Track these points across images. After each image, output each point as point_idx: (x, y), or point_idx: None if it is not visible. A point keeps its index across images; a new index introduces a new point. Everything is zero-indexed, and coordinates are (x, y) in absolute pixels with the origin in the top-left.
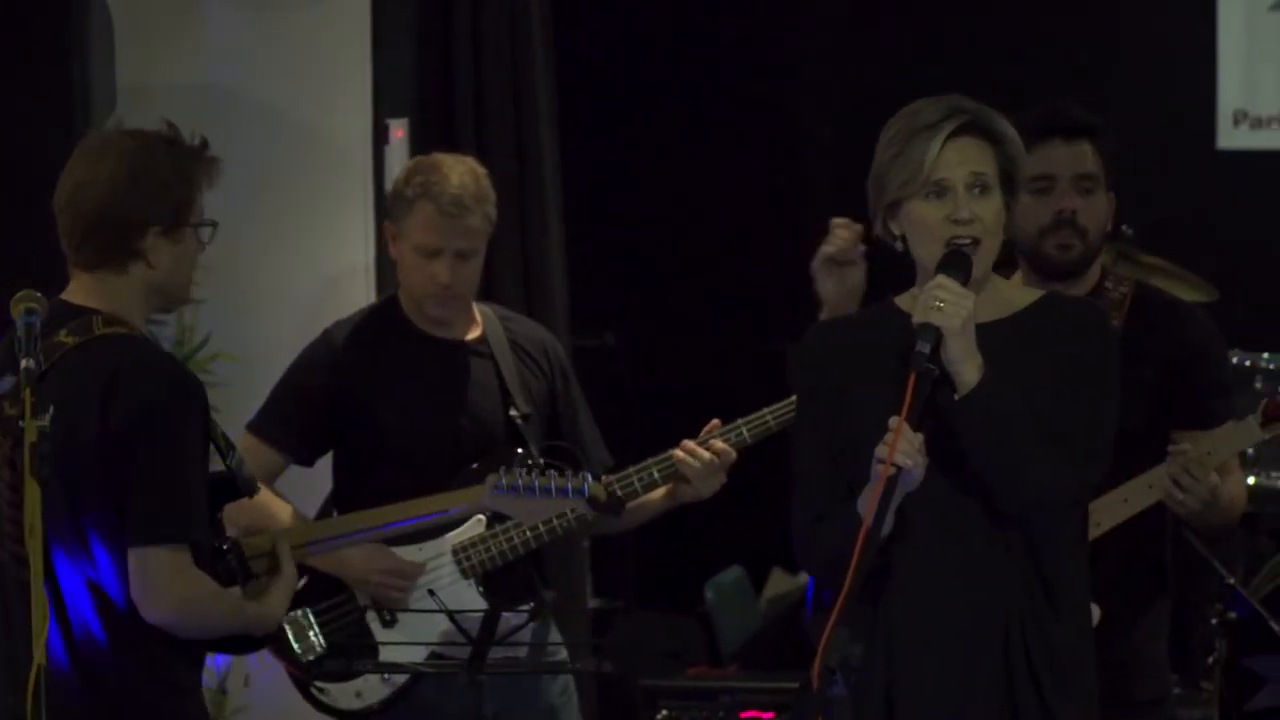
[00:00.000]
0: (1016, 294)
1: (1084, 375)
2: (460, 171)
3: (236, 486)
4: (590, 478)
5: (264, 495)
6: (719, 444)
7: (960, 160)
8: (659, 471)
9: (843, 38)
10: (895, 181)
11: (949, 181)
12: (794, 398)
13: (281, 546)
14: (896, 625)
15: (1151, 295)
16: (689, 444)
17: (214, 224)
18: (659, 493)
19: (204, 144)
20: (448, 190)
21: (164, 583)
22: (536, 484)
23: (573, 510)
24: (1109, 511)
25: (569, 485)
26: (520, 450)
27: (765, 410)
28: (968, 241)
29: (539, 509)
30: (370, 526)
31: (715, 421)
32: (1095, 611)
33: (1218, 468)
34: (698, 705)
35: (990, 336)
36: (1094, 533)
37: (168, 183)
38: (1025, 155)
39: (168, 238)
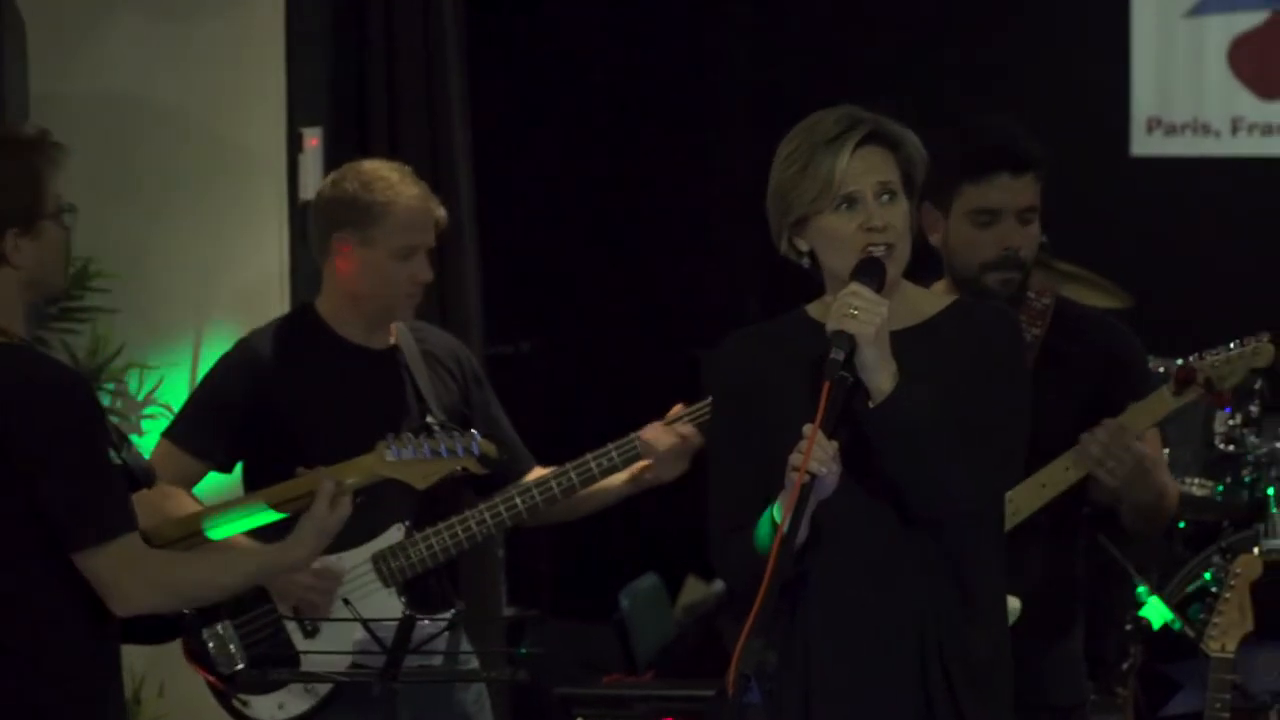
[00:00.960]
0: (927, 300)
1: (995, 381)
2: (403, 171)
3: (135, 477)
4: (478, 435)
5: (180, 498)
6: (686, 427)
7: (867, 169)
8: (619, 454)
9: (760, 43)
10: (803, 197)
11: (859, 192)
12: (709, 400)
13: (323, 485)
14: (813, 632)
15: (1073, 307)
16: (655, 426)
17: (73, 208)
18: (621, 476)
19: (42, 133)
20: (413, 189)
21: (125, 575)
22: (427, 446)
23: (463, 469)
24: (1026, 497)
25: (459, 445)
26: (429, 419)
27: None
28: (882, 249)
29: (431, 470)
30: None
31: (679, 406)
32: (1014, 605)
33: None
34: (613, 713)
35: (903, 343)
36: (1012, 520)
37: (14, 184)
38: (923, 155)
39: (28, 236)
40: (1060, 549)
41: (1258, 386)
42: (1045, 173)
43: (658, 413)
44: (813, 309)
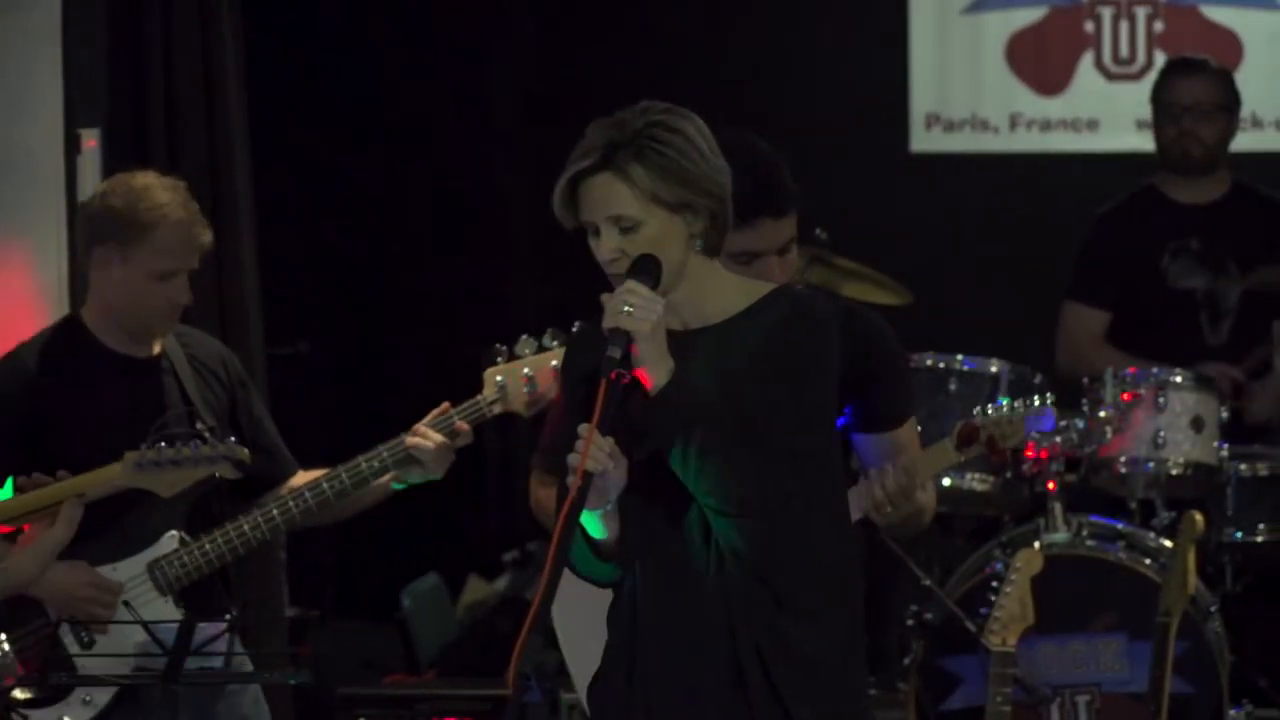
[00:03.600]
0: (741, 292)
1: (795, 373)
2: (176, 190)
3: None
4: (234, 440)
5: None
6: (461, 424)
7: (597, 202)
8: (390, 455)
9: (535, 45)
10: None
11: (592, 223)
12: (476, 399)
13: (65, 507)
14: (633, 635)
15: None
16: (421, 427)
17: None
18: (387, 477)
19: None
20: (181, 212)
21: None
22: (181, 455)
23: (219, 474)
24: None
25: (216, 452)
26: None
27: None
28: (619, 274)
29: (180, 478)
30: (8, 515)
31: (446, 405)
32: None
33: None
34: (395, 713)
35: (706, 339)
36: None
37: None
38: (677, 169)
39: None
40: None
41: (1037, 381)
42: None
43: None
44: None
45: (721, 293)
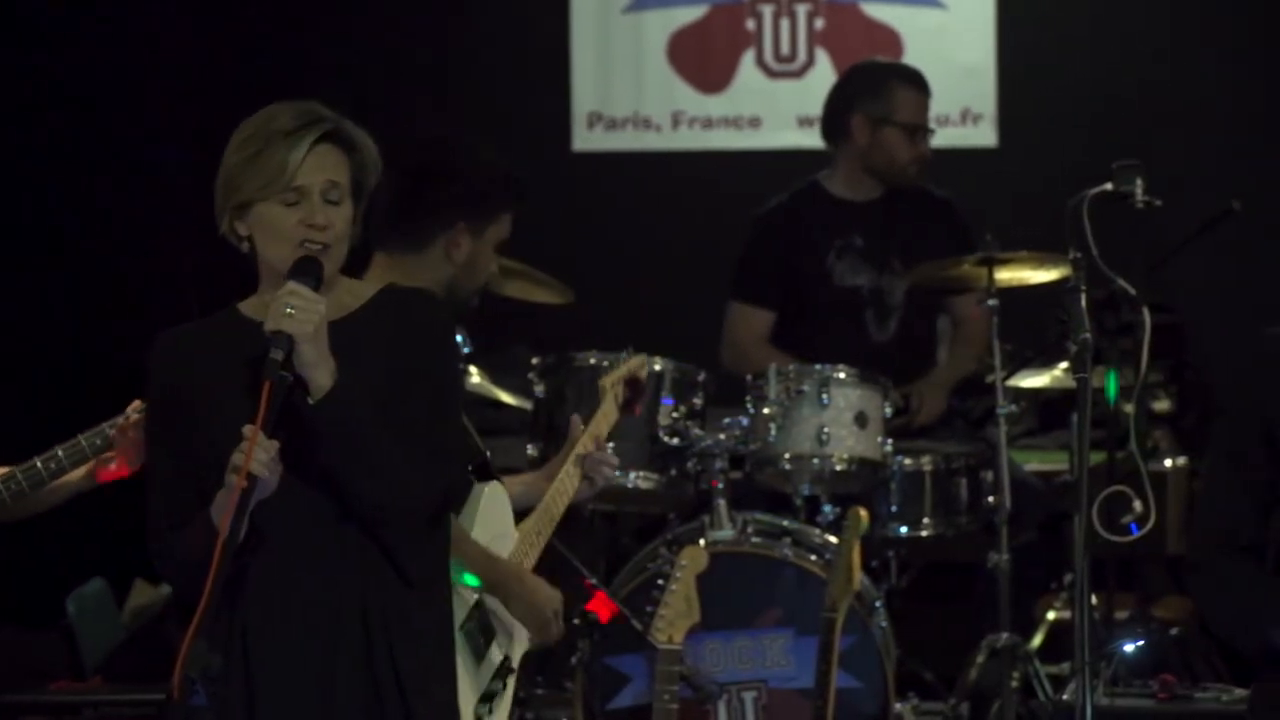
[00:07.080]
0: (357, 289)
1: (425, 370)
2: None
3: None
4: None
5: None
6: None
7: (318, 168)
8: (67, 456)
9: (192, 40)
10: (251, 184)
11: (306, 188)
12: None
13: None
14: (253, 633)
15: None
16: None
17: None
18: (80, 471)
19: None
20: None
21: None
22: None
23: None
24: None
25: None
26: None
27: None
28: (319, 247)
29: None
30: None
31: (136, 402)
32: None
33: None
34: None
35: (336, 334)
36: (540, 542)
37: None
38: (377, 164)
39: None
40: None
41: (700, 379)
42: None
43: (101, 416)
44: (245, 306)
45: (342, 291)
